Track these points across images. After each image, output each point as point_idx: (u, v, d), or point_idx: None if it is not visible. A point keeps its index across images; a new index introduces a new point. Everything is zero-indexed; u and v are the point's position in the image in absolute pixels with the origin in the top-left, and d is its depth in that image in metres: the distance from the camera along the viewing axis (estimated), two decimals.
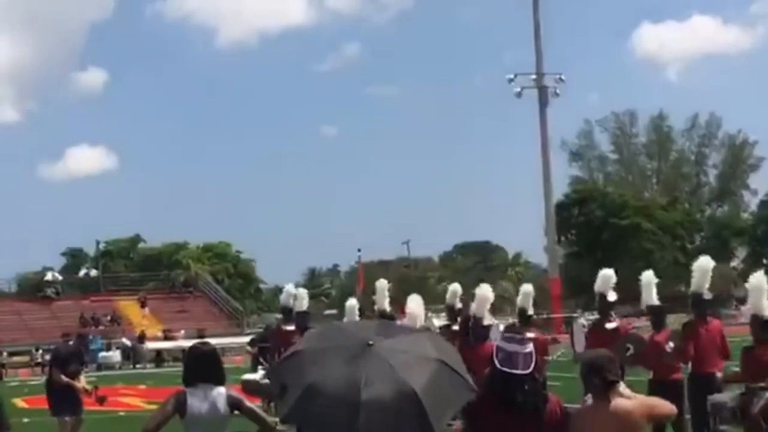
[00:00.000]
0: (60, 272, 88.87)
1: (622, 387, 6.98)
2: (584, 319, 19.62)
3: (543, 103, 67.49)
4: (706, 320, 13.99)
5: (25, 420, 24.31)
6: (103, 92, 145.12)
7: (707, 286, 14.11)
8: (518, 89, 68.24)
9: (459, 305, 18.18)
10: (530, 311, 17.46)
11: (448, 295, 18.77)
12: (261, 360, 22.24)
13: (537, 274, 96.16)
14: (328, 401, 6.21)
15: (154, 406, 23.68)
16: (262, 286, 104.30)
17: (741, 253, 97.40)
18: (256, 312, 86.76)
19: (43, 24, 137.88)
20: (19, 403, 30.57)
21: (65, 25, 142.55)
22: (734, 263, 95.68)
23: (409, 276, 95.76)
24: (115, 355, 57.98)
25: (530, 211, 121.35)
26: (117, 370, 54.46)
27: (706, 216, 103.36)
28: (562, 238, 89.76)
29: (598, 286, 16.42)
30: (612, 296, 15.90)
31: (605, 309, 16.08)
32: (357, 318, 18.81)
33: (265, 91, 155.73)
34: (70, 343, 18.54)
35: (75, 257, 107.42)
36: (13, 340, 61.62)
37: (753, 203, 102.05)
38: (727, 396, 12.24)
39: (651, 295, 14.87)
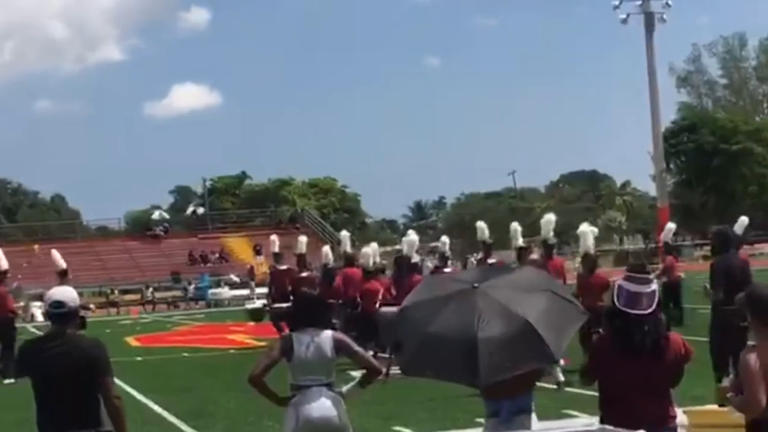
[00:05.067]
0: (168, 210, 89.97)
1: None
2: (473, 258, 24.59)
3: (649, 28, 65.81)
4: (552, 258, 19.22)
5: (138, 358, 24.54)
6: (206, 30, 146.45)
7: (551, 233, 19.51)
8: (624, 15, 66.59)
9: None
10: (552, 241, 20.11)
11: (404, 247, 22.68)
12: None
13: (645, 202, 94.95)
14: (448, 345, 6.39)
15: (263, 343, 23.93)
16: (367, 220, 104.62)
17: None
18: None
19: None
20: (132, 341, 30.90)
21: None
22: None
23: (516, 207, 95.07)
24: (224, 292, 58.21)
25: (638, 138, 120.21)
26: (226, 306, 54.68)
27: None
28: (671, 166, 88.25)
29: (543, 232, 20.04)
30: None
31: (487, 250, 22.58)
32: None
33: (367, 23, 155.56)
34: None
35: (182, 195, 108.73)
36: (124, 278, 62.58)
37: None
38: None
39: None
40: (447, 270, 21.38)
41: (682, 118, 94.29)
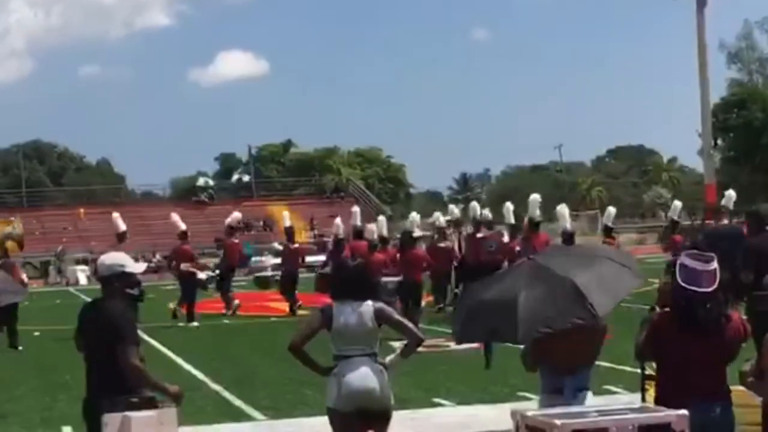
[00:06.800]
0: (213, 177, 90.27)
1: None
2: (465, 232, 26.65)
3: (701, 3, 65.22)
4: (538, 234, 22.24)
5: (180, 324, 24.75)
6: None
7: (538, 212, 23.13)
8: None
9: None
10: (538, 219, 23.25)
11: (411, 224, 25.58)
12: None
13: (692, 178, 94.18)
14: (493, 308, 6.83)
15: (304, 312, 23.91)
16: (412, 190, 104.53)
17: None
18: (407, 217, 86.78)
19: None
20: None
21: None
22: None
23: (561, 181, 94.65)
24: (267, 260, 58.22)
25: (686, 114, 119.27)
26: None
27: None
28: (719, 142, 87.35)
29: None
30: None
31: (477, 224, 24.96)
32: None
33: None
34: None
35: (228, 162, 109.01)
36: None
37: None
38: None
39: None
40: (442, 245, 24.89)
41: (732, 94, 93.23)
